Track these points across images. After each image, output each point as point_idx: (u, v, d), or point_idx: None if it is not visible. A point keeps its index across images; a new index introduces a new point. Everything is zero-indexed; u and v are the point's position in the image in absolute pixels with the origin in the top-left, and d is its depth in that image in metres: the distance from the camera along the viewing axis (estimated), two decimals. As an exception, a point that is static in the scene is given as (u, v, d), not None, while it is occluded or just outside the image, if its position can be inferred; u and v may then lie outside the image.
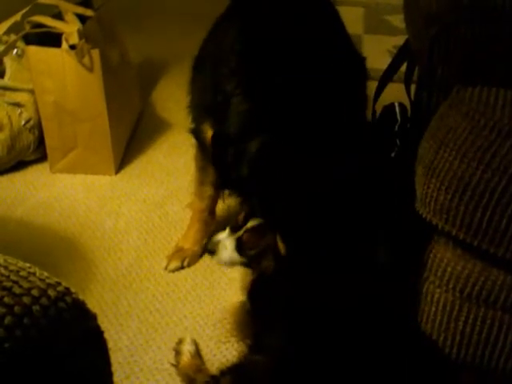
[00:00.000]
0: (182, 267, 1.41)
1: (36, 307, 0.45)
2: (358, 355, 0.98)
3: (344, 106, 1.21)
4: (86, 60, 1.52)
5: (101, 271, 1.40)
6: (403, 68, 1.48)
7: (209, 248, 1.22)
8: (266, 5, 1.29)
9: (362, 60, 1.39)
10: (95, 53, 1.52)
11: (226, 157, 1.19)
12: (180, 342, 1.21)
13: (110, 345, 0.57)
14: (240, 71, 1.19)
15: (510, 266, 0.97)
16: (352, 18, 2.59)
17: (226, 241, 1.20)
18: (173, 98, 2.03)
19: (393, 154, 1.53)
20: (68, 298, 0.48)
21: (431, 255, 1.04)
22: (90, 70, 1.53)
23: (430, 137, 0.97)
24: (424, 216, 1.00)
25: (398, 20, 2.52)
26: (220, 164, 1.27)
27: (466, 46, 1.00)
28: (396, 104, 1.68)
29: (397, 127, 1.62)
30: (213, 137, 1.24)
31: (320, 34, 1.27)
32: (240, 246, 1.19)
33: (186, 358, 1.17)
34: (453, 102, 0.99)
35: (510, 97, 0.95)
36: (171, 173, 1.72)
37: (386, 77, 1.53)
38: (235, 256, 1.20)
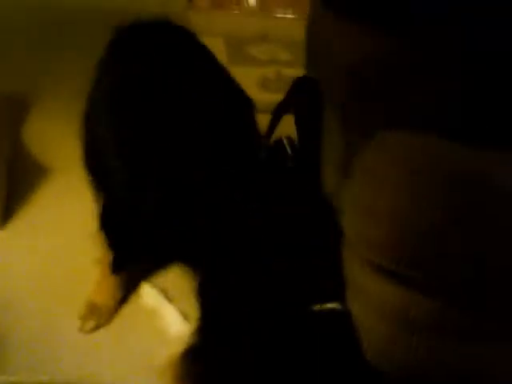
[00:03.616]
0: (99, 326, 1.33)
1: None
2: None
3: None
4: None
5: (9, 342, 1.26)
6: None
7: None
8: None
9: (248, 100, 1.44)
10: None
11: None
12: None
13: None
14: None
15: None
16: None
17: None
18: (49, 138, 1.90)
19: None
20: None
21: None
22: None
23: (366, 183, 1.05)
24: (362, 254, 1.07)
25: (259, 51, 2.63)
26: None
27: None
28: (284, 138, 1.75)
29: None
30: None
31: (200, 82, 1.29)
32: None
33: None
34: (378, 148, 1.07)
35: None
36: (65, 220, 1.60)
37: (280, 111, 1.58)
38: None
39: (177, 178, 1.18)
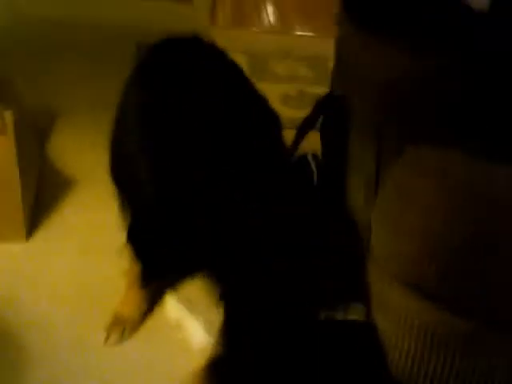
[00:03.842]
0: (124, 338, 1.33)
1: None
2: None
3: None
4: (-2, 122, 1.41)
5: (34, 353, 1.27)
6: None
7: None
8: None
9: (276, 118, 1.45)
10: (8, 114, 1.41)
11: None
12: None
13: None
14: None
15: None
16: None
17: None
18: (74, 150, 1.93)
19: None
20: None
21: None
22: (2, 132, 1.41)
23: (396, 198, 1.05)
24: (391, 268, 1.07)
25: (280, 67, 2.66)
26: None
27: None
28: (309, 155, 1.76)
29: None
30: None
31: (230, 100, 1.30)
32: None
33: None
34: (408, 162, 1.08)
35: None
36: (88, 232, 1.62)
37: (305, 127, 1.59)
38: None
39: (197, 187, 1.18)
